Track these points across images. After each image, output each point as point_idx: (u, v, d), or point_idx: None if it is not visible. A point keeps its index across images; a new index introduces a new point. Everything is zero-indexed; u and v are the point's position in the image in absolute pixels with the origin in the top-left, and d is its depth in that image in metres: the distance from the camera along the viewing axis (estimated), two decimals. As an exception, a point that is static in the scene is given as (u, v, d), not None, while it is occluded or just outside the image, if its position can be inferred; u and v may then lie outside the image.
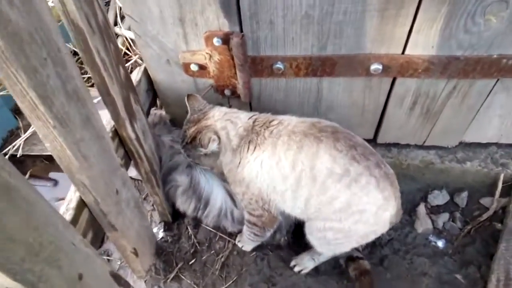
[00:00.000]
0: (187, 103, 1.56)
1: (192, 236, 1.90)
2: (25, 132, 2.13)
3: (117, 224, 1.33)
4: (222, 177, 1.71)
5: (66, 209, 1.16)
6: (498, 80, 1.54)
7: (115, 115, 1.31)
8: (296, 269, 1.77)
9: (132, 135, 1.41)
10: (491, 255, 1.76)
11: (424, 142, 1.91)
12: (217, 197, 1.74)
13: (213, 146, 1.47)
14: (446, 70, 1.49)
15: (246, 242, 1.80)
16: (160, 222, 1.96)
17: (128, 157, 1.49)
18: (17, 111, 2.28)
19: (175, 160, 1.74)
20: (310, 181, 1.39)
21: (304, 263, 1.77)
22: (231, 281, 1.76)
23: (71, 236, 1.02)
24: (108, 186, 1.23)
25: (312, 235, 1.55)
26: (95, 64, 1.13)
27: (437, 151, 1.97)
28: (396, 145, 1.96)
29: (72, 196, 1.18)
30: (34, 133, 2.11)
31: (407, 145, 1.97)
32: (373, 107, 1.74)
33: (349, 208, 1.41)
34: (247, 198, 1.55)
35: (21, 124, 2.23)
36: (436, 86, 1.59)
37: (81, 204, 1.18)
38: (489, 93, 1.61)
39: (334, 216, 1.44)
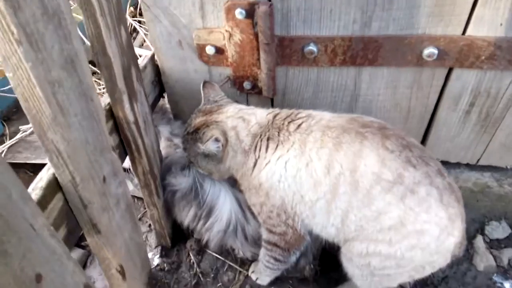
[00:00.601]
0: (202, 91, 1.31)
1: (195, 265, 1.54)
2: (10, 139, 1.88)
3: (101, 224, 1.01)
4: (231, 184, 1.40)
5: (32, 188, 0.85)
6: None
7: (110, 84, 1.04)
8: None
9: (131, 117, 1.14)
10: None
11: (479, 160, 1.60)
12: (224, 206, 1.36)
13: (212, 147, 1.19)
14: (515, 58, 1.23)
15: (263, 273, 1.43)
16: (156, 247, 1.61)
17: (123, 148, 1.20)
18: (5, 118, 2.06)
19: (173, 158, 1.43)
20: (350, 188, 1.08)
21: None
22: (241, 321, 1.38)
23: (31, 215, 0.71)
24: (92, 166, 0.93)
25: (351, 263, 1.19)
26: (89, 2, 0.89)
27: (493, 173, 1.65)
28: (444, 163, 1.64)
29: (43, 174, 0.88)
30: (20, 140, 1.86)
31: (458, 165, 1.66)
32: (421, 110, 1.46)
33: (402, 227, 1.07)
34: (266, 211, 1.22)
35: (7, 131, 1.99)
36: (500, 82, 1.32)
37: (54, 186, 0.88)
38: None
39: (381, 236, 1.09)
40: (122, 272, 1.19)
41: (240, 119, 1.23)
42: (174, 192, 1.38)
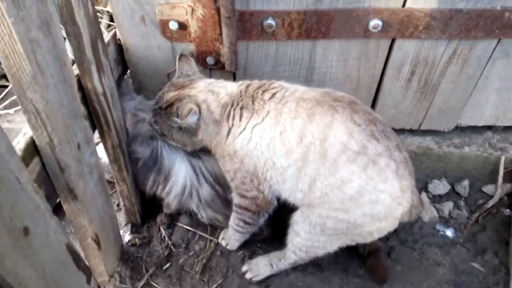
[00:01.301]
0: (177, 64, 1.35)
1: (166, 238, 1.58)
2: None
3: (78, 189, 1.04)
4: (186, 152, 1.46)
5: (9, 152, 0.87)
6: (498, 41, 1.47)
7: (79, 54, 1.06)
8: (248, 275, 1.47)
9: (99, 88, 1.16)
10: (505, 241, 1.60)
11: (420, 125, 1.79)
12: (180, 171, 1.43)
13: (191, 119, 1.23)
14: (447, 28, 1.40)
15: (232, 238, 1.51)
16: (126, 224, 1.63)
17: (92, 122, 1.22)
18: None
19: (139, 130, 1.47)
20: (319, 156, 1.17)
21: (259, 269, 1.47)
22: (215, 285, 1.45)
23: (16, 169, 0.74)
24: (68, 130, 0.96)
25: (306, 220, 1.28)
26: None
27: (433, 137, 1.84)
28: (390, 130, 1.82)
29: (20, 139, 0.89)
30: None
31: (402, 131, 1.83)
32: (369, 80, 1.60)
33: (361, 197, 1.19)
34: (239, 177, 1.30)
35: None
36: (436, 51, 1.49)
37: (32, 149, 0.90)
38: (489, 59, 1.53)
39: (342, 205, 1.21)
40: (97, 242, 1.21)
41: (209, 92, 1.28)
42: (137, 160, 1.43)
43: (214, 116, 1.26)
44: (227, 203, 1.43)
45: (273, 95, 1.24)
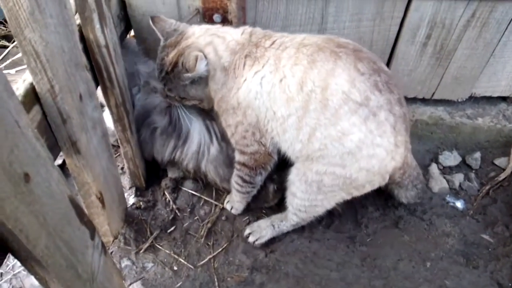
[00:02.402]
0: (154, 28, 1.30)
1: (171, 202, 1.56)
2: None
3: (80, 143, 1.00)
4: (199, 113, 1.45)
5: (8, 97, 0.82)
6: (521, 3, 1.40)
7: (81, 1, 1.01)
8: (251, 238, 1.45)
9: (102, 40, 1.11)
10: (516, 214, 1.56)
11: (433, 94, 1.73)
12: (195, 130, 1.44)
13: (201, 66, 1.19)
14: (468, -13, 1.32)
15: (235, 199, 1.48)
16: (130, 188, 1.61)
17: (95, 78, 1.18)
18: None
19: (151, 99, 1.44)
20: (320, 106, 1.13)
21: (261, 231, 1.45)
22: (220, 249, 1.43)
23: (15, 111, 0.70)
24: (69, 78, 0.91)
25: (303, 177, 1.24)
26: None
27: (446, 107, 1.79)
28: (402, 99, 1.76)
29: (20, 84, 0.85)
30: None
31: (414, 100, 1.78)
32: (382, 43, 1.54)
33: (359, 151, 1.15)
34: (241, 131, 1.26)
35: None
36: (454, 13, 1.42)
37: (32, 96, 0.85)
38: (509, 23, 1.46)
39: (340, 160, 1.17)
40: (101, 200, 1.19)
41: (213, 35, 1.23)
42: (155, 129, 1.43)
43: (222, 62, 1.21)
44: (229, 161, 1.43)
45: (274, 42, 1.20)
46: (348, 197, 1.30)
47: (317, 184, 1.23)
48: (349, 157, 1.16)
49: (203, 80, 1.25)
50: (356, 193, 1.30)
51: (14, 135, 0.70)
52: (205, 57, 1.20)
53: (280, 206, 1.50)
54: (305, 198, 1.28)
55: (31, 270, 0.82)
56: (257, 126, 1.23)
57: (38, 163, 0.78)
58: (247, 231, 1.46)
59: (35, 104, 0.87)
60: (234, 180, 1.40)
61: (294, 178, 1.27)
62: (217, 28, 1.27)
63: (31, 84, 0.85)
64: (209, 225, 1.49)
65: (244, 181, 1.37)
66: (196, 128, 1.43)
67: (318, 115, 1.14)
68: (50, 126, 0.93)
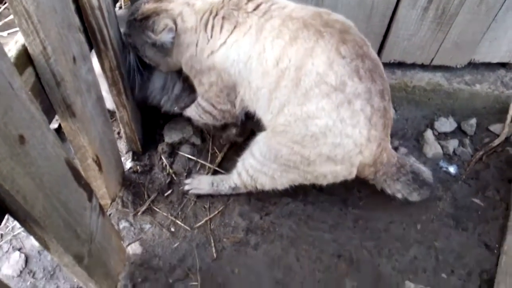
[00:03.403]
0: None
1: (167, 166, 1.58)
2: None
3: (75, 105, 1.00)
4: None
5: (0, 59, 0.82)
6: (526, -35, 1.36)
7: (71, -41, 0.97)
8: (187, 187, 1.48)
9: (95, 1, 1.08)
10: (508, 179, 1.59)
11: (432, 60, 1.71)
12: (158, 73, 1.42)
13: (166, 36, 1.17)
14: None
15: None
16: (127, 152, 1.62)
17: (88, 38, 1.15)
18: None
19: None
20: (291, 84, 1.10)
21: (200, 184, 1.47)
22: (216, 212, 1.46)
23: (8, 74, 0.70)
24: (62, 40, 0.90)
25: (265, 144, 1.24)
26: None
27: (444, 73, 1.78)
28: (401, 65, 1.75)
29: (11, 46, 0.84)
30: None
31: (413, 66, 1.76)
32: (383, 7, 1.50)
33: (323, 137, 1.12)
34: (215, 90, 1.25)
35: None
36: (457, -25, 1.38)
37: (24, 57, 0.84)
38: (513, -14, 1.42)
39: (301, 140, 1.16)
40: (98, 163, 1.20)
41: (185, 4, 1.20)
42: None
43: (186, 25, 1.19)
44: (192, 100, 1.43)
45: (258, 6, 1.15)
46: (305, 182, 1.30)
47: (275, 152, 1.22)
48: (311, 139, 1.15)
49: (164, 49, 1.23)
50: (315, 181, 1.28)
51: (8, 97, 0.70)
52: (176, 29, 1.17)
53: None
54: (259, 161, 1.27)
55: (30, 230, 0.85)
56: (233, 88, 1.22)
57: (32, 125, 0.78)
58: (187, 181, 1.49)
59: (28, 66, 0.86)
60: (191, 113, 1.41)
61: (260, 139, 1.27)
62: None
63: (23, 45, 0.84)
64: None
65: (203, 119, 1.39)
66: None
67: (289, 92, 1.12)
68: (44, 88, 0.92)
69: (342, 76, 1.07)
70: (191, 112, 1.41)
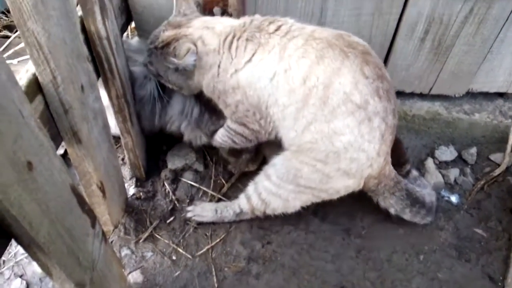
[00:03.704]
0: (174, 2, 1.31)
1: (170, 193, 1.58)
2: None
3: (82, 133, 1.02)
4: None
5: (11, 88, 0.84)
6: (518, 0, 1.41)
7: (83, -7, 1.02)
8: (189, 214, 1.48)
9: (103, 32, 1.12)
10: (510, 209, 1.59)
11: (431, 89, 1.75)
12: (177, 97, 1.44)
13: (189, 59, 1.20)
14: (466, -17, 1.34)
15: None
16: (131, 178, 1.63)
17: (96, 69, 1.19)
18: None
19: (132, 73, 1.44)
20: (319, 102, 1.15)
21: (203, 211, 1.48)
22: (218, 240, 1.46)
23: (19, 101, 0.72)
24: (71, 70, 0.93)
25: (283, 165, 1.27)
26: None
27: (443, 102, 1.81)
28: (400, 94, 1.78)
29: (22, 74, 0.87)
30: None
31: (412, 95, 1.79)
32: (381, 38, 1.55)
33: (345, 153, 1.18)
34: (242, 110, 1.26)
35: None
36: (452, 8, 1.44)
37: (34, 86, 0.87)
38: (506, 20, 1.47)
39: (325, 158, 1.20)
40: (102, 189, 1.21)
41: (204, 28, 1.24)
42: (140, 100, 1.42)
43: (207, 47, 1.22)
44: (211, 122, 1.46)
45: (279, 27, 1.20)
46: (317, 201, 1.34)
47: (295, 172, 1.25)
48: (334, 156, 1.19)
49: (187, 72, 1.26)
50: (327, 198, 1.32)
51: (18, 125, 0.72)
52: (196, 51, 1.21)
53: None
54: (275, 183, 1.29)
55: (33, 256, 0.85)
56: (258, 107, 1.24)
57: (40, 152, 0.80)
58: (189, 208, 1.50)
59: (37, 94, 0.89)
60: (222, 139, 1.41)
61: (278, 161, 1.29)
62: (211, 19, 1.27)
63: (34, 74, 0.87)
64: None
65: (235, 143, 1.38)
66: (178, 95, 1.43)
67: (316, 110, 1.16)
68: (52, 116, 0.95)
69: (366, 95, 1.13)
70: (221, 137, 1.41)
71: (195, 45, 1.20)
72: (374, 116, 1.15)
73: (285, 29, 1.19)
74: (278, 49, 1.16)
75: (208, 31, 1.22)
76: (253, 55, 1.18)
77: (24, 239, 0.79)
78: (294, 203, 1.33)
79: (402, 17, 1.48)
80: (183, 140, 1.54)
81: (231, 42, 1.20)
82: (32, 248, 0.82)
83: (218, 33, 1.21)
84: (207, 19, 1.29)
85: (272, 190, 1.31)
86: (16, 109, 0.71)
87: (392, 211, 1.41)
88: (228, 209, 1.45)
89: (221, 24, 1.24)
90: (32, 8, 0.75)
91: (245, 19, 1.23)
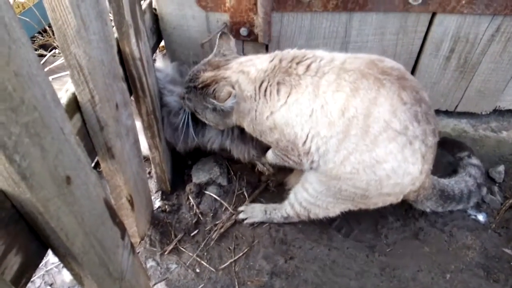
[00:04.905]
0: (217, 41, 1.36)
1: (194, 206, 1.62)
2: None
3: (115, 148, 1.07)
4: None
5: (53, 106, 0.90)
6: (547, 18, 1.40)
7: (118, 17, 1.08)
8: (242, 215, 1.56)
9: (136, 53, 1.18)
10: (540, 229, 1.54)
11: (457, 107, 1.73)
12: None
13: (230, 103, 1.23)
14: (492, 2, 1.34)
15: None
16: (157, 191, 1.68)
17: (128, 86, 1.25)
18: None
19: (167, 103, 1.49)
20: (361, 132, 1.15)
21: (253, 212, 1.55)
22: (241, 253, 1.47)
23: (61, 119, 0.77)
24: (107, 89, 0.99)
25: (321, 185, 1.31)
26: None
27: (469, 119, 1.79)
28: (424, 111, 1.77)
29: (63, 94, 0.93)
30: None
31: (437, 112, 1.77)
32: (406, 56, 1.56)
33: (387, 180, 1.20)
34: (282, 145, 1.31)
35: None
36: (478, 27, 1.43)
37: (73, 105, 0.93)
38: (535, 37, 1.46)
39: (366, 185, 1.22)
40: (131, 202, 1.26)
41: (240, 72, 1.27)
42: (176, 126, 1.47)
43: (245, 94, 1.26)
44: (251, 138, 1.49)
45: (308, 67, 1.21)
46: (355, 209, 1.38)
47: (334, 190, 1.29)
48: (375, 183, 1.21)
49: (224, 113, 1.31)
50: (365, 207, 1.37)
51: (59, 141, 0.77)
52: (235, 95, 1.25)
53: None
54: (314, 195, 1.34)
55: (67, 266, 0.89)
56: (296, 144, 1.26)
57: (78, 167, 0.85)
58: (241, 208, 1.58)
59: (76, 113, 0.95)
60: (274, 156, 1.44)
61: (313, 179, 1.32)
62: (246, 62, 1.30)
63: (73, 94, 0.93)
64: (221, 230, 1.54)
65: (284, 162, 1.43)
66: None
67: (358, 140, 1.16)
68: (88, 132, 1.00)
69: (405, 121, 1.14)
70: (272, 159, 1.47)
71: (233, 87, 1.24)
72: (414, 140, 1.17)
73: (314, 67, 1.19)
74: (312, 88, 1.17)
75: (243, 76, 1.26)
76: (287, 97, 1.20)
77: (60, 249, 0.83)
78: (333, 210, 1.39)
79: (427, 36, 1.48)
80: (235, 157, 1.60)
81: (266, 89, 1.23)
82: (67, 258, 0.86)
83: (252, 79, 1.24)
84: (243, 60, 1.31)
85: (311, 201, 1.36)
86: (58, 127, 0.76)
87: (427, 210, 1.51)
88: (277, 212, 1.52)
89: (255, 67, 1.26)
90: (75, 34, 0.81)
91: (275, 61, 1.25)
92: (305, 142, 1.24)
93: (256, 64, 1.28)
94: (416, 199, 1.43)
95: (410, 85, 1.18)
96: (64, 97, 0.92)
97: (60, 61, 1.80)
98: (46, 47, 2.24)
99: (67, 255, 0.85)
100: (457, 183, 1.54)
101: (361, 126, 1.14)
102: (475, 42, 1.47)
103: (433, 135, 1.22)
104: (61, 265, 1.41)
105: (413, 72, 1.62)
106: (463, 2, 1.34)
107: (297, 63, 1.23)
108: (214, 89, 1.26)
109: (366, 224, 1.56)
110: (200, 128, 1.49)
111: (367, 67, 1.17)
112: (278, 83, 1.22)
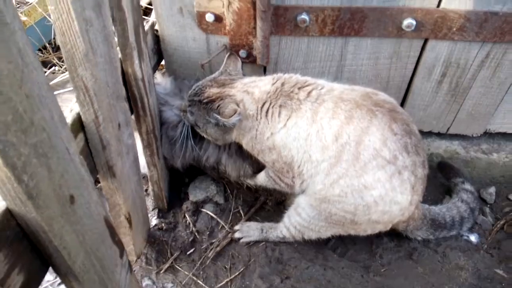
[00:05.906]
0: (225, 60, 1.40)
1: (191, 224, 1.63)
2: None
3: (116, 167, 1.09)
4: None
5: (57, 126, 0.92)
6: (534, 46, 1.46)
7: (123, 40, 1.12)
8: (237, 234, 1.58)
9: (139, 74, 1.21)
10: (531, 250, 1.57)
11: (448, 129, 1.78)
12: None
13: (234, 119, 1.27)
14: (482, 30, 1.39)
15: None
16: (153, 209, 1.69)
17: (130, 106, 1.27)
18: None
19: (165, 117, 1.51)
20: (352, 157, 1.20)
21: (249, 231, 1.57)
22: (237, 273, 1.48)
23: (67, 140, 0.79)
24: (111, 109, 1.01)
25: (312, 209, 1.35)
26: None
27: (461, 141, 1.83)
28: (417, 132, 1.82)
29: (67, 114, 0.95)
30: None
31: (429, 134, 1.83)
32: (399, 80, 1.61)
33: (375, 206, 1.24)
34: (278, 166, 1.36)
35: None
36: (468, 53, 1.49)
37: (78, 125, 0.95)
38: (523, 64, 1.52)
39: (354, 209, 1.27)
40: (129, 220, 1.26)
41: (245, 92, 1.32)
42: (173, 140, 1.49)
43: (247, 113, 1.30)
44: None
45: (309, 93, 1.27)
46: (344, 234, 1.42)
47: (326, 214, 1.32)
48: (363, 208, 1.25)
49: (226, 129, 1.34)
50: (354, 233, 1.41)
51: (65, 161, 0.79)
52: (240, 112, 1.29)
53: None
54: (307, 220, 1.38)
55: (68, 284, 0.89)
56: (291, 166, 1.32)
57: (82, 186, 0.86)
58: (236, 227, 1.59)
59: (80, 132, 0.97)
60: (266, 178, 1.49)
61: (304, 204, 1.36)
62: (250, 83, 1.35)
63: (78, 114, 0.95)
64: (218, 248, 1.54)
65: (274, 185, 1.48)
66: None
67: (349, 165, 1.21)
68: (91, 151, 1.02)
69: (394, 151, 1.19)
70: (263, 181, 1.52)
71: (238, 106, 1.29)
72: (404, 170, 1.21)
73: (315, 94, 1.26)
74: (310, 114, 1.24)
75: (248, 96, 1.31)
76: (287, 120, 1.26)
77: (62, 268, 0.84)
78: (325, 234, 1.42)
79: (420, 61, 1.54)
80: (227, 174, 1.61)
81: (267, 110, 1.28)
82: (68, 277, 0.86)
83: (256, 99, 1.29)
84: (247, 81, 1.36)
85: (304, 225, 1.40)
86: (64, 147, 0.78)
87: (418, 238, 1.56)
88: (273, 231, 1.54)
89: (258, 89, 1.31)
90: (83, 57, 0.83)
91: (277, 84, 1.31)
92: (300, 165, 1.29)
93: (260, 86, 1.34)
94: (406, 229, 1.47)
95: (401, 117, 1.24)
96: (69, 117, 0.94)
97: (59, 78, 1.82)
98: (45, 64, 2.26)
99: (68, 273, 0.86)
100: (448, 210, 1.57)
101: (352, 152, 1.20)
102: (466, 67, 1.53)
103: (423, 167, 1.27)
104: (57, 283, 1.40)
105: (406, 95, 1.66)
106: (454, 29, 1.40)
107: (299, 88, 1.29)
108: (219, 105, 1.30)
109: (361, 244, 1.58)
110: (198, 141, 1.51)
111: (362, 99, 1.23)
112: (280, 106, 1.28)
